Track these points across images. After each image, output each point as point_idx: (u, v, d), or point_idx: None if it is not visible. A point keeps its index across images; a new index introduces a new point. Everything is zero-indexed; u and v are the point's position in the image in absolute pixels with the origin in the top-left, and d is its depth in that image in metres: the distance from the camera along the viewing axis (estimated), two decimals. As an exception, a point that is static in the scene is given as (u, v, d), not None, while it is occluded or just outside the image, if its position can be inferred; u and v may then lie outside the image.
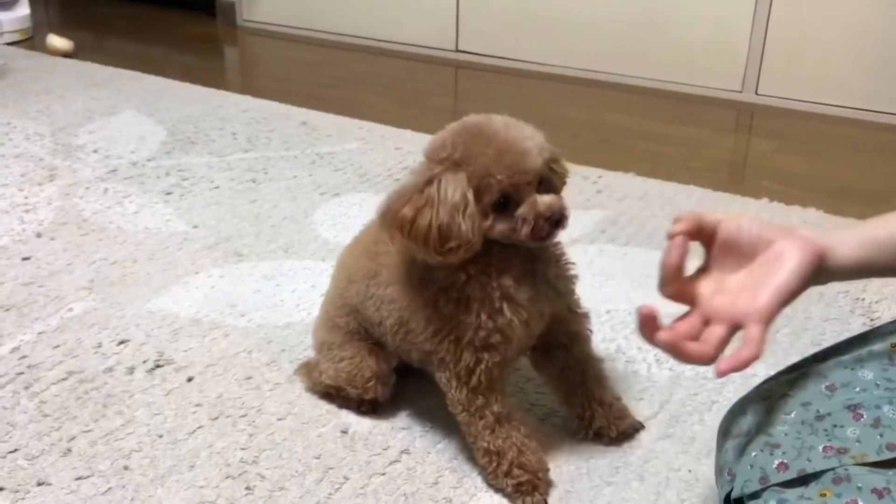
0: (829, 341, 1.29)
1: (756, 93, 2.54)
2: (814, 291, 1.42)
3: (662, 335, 0.73)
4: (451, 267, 0.93)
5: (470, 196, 0.89)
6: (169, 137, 2.14)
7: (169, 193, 1.81)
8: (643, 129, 2.33)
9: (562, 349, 1.06)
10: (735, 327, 0.73)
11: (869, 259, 0.76)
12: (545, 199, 0.90)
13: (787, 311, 1.37)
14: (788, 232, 0.76)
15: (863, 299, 1.43)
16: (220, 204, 1.77)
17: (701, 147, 2.21)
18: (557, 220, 0.91)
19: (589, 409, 1.08)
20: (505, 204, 0.90)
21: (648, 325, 0.73)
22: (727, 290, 0.76)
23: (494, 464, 0.99)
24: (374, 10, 3.09)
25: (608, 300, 1.42)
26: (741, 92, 2.56)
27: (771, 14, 2.45)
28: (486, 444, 0.98)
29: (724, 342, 0.73)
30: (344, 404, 1.13)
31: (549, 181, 0.93)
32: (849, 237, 0.77)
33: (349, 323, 1.10)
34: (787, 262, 0.73)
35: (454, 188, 0.89)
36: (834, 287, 1.45)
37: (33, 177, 1.88)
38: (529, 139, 0.91)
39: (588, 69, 2.77)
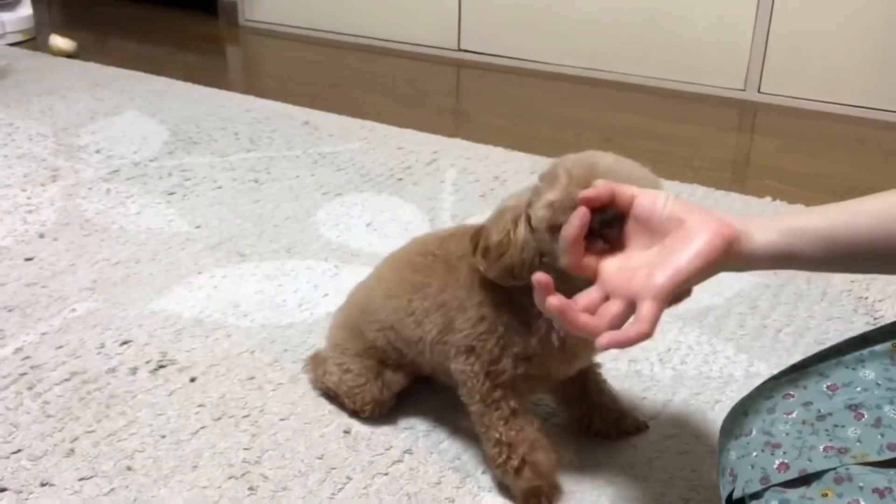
0: (832, 340, 1.29)
1: (759, 91, 2.54)
2: (816, 290, 1.43)
3: (553, 300, 0.72)
4: (529, 296, 0.88)
5: (542, 213, 0.84)
6: (171, 137, 2.14)
7: (171, 194, 1.82)
8: (646, 128, 2.33)
9: None
10: (632, 304, 0.71)
11: (788, 247, 0.74)
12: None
13: (790, 310, 1.38)
14: (704, 212, 0.74)
15: (866, 298, 1.43)
16: (222, 204, 1.77)
17: (704, 146, 2.21)
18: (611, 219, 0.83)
19: (588, 416, 1.08)
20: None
21: (542, 291, 0.72)
22: (629, 267, 0.74)
23: (504, 455, 0.97)
24: (377, 9, 3.09)
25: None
26: (744, 90, 2.56)
27: (773, 12, 2.45)
28: (498, 435, 0.98)
29: (620, 318, 0.71)
30: (340, 407, 1.13)
31: None
32: (769, 223, 0.75)
33: (377, 339, 1.08)
34: (691, 243, 0.71)
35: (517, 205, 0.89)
36: (837, 286, 1.45)
37: (36, 177, 1.88)
38: (625, 174, 0.85)
39: (590, 68, 2.76)
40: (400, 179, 1.89)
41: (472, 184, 1.87)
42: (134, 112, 2.32)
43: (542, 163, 1.98)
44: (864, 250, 0.74)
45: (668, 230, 0.74)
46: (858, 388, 0.72)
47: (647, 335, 0.68)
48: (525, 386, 0.98)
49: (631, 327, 0.69)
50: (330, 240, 1.63)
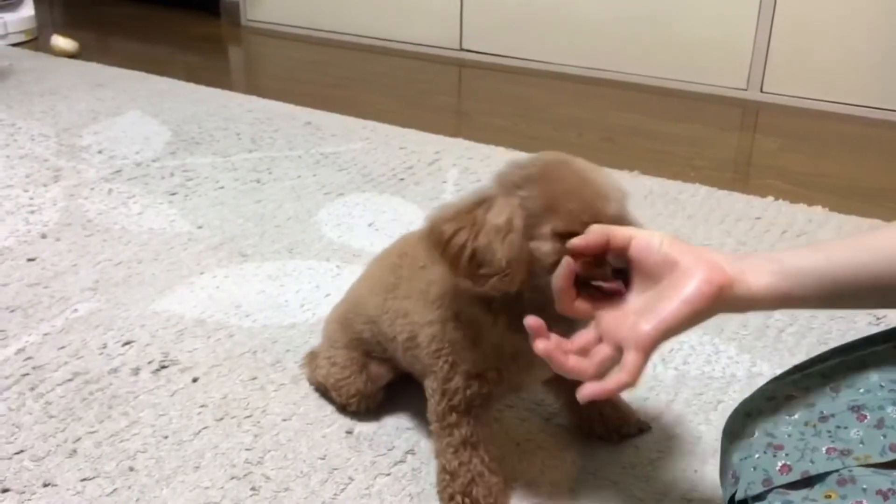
0: (835, 341, 1.29)
1: (761, 91, 2.54)
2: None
3: (539, 344, 0.72)
4: (481, 305, 0.89)
5: (518, 221, 0.81)
6: (173, 138, 2.14)
7: (173, 194, 1.82)
8: (647, 127, 2.33)
9: None
10: (620, 350, 0.71)
11: (786, 290, 0.71)
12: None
13: (793, 310, 1.37)
14: (698, 256, 0.71)
15: (868, 298, 1.42)
16: (224, 204, 1.77)
17: (705, 146, 2.21)
18: (621, 268, 0.78)
19: (588, 420, 1.08)
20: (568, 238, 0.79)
21: (535, 333, 0.74)
22: (622, 311, 0.73)
23: (445, 483, 0.97)
24: (378, 9, 3.09)
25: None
26: (746, 90, 2.55)
27: (776, 11, 2.45)
28: (444, 462, 0.97)
29: (609, 362, 0.71)
30: (331, 402, 1.15)
31: None
32: (766, 265, 0.72)
33: (363, 331, 1.09)
34: (680, 291, 0.70)
35: (501, 211, 0.82)
36: (839, 286, 1.45)
37: (38, 178, 1.88)
38: (612, 188, 0.83)
39: (592, 67, 2.76)
40: (402, 179, 1.89)
41: (474, 184, 1.87)
42: (136, 112, 2.32)
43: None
44: (866, 289, 0.72)
45: (663, 273, 0.72)
46: (861, 390, 0.72)
47: (627, 385, 0.68)
48: (482, 407, 0.96)
49: (612, 378, 0.69)
50: (332, 240, 1.62)
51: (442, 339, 0.94)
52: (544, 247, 0.81)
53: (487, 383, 0.94)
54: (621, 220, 0.81)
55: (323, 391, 1.15)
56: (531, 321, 0.73)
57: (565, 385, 1.07)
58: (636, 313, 0.71)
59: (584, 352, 0.73)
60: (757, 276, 0.71)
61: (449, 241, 0.83)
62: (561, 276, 0.76)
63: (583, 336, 0.75)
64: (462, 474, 0.96)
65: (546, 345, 0.72)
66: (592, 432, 1.08)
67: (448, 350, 0.93)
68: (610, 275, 0.77)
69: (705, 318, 0.71)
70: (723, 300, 0.70)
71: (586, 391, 0.69)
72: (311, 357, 1.18)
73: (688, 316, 0.70)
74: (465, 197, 0.87)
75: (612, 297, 0.76)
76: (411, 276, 1.00)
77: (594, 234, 0.76)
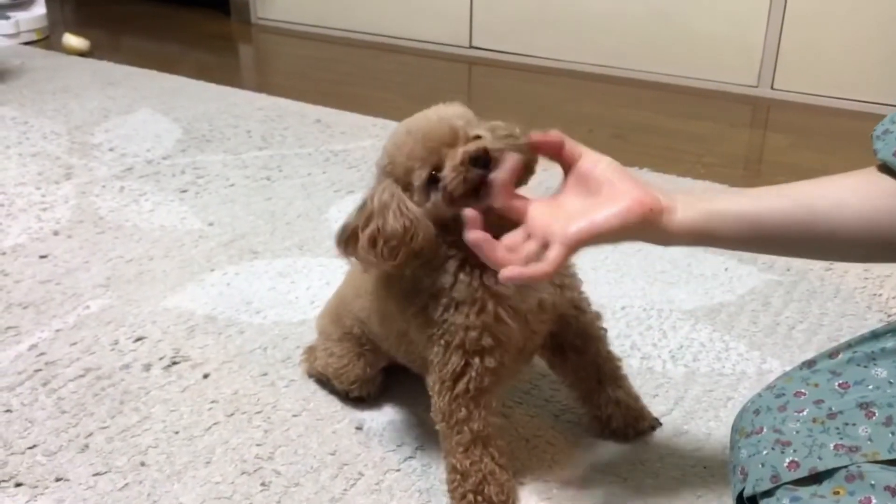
0: (845, 337, 1.28)
1: (772, 87, 2.53)
2: (830, 287, 1.43)
3: (476, 233, 0.77)
4: (434, 272, 0.91)
5: (397, 191, 0.88)
6: (184, 135, 2.15)
7: (184, 191, 1.82)
8: (658, 124, 2.33)
9: (574, 351, 1.03)
10: (546, 245, 0.76)
11: (707, 226, 0.78)
12: (463, 147, 0.85)
13: (803, 307, 1.37)
14: (636, 182, 0.79)
15: (880, 295, 1.42)
16: (234, 202, 1.78)
17: (716, 143, 2.20)
18: (477, 157, 0.83)
19: (606, 411, 1.07)
20: (435, 179, 0.87)
21: (470, 224, 0.77)
22: (554, 211, 0.79)
23: (456, 483, 0.96)
24: (388, 6, 3.09)
25: (623, 296, 1.42)
26: (757, 87, 2.55)
27: (787, 8, 2.44)
28: (454, 462, 0.96)
29: (534, 256, 0.76)
30: (333, 391, 1.16)
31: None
32: (695, 202, 0.79)
33: (353, 327, 1.10)
34: (613, 203, 0.76)
35: (381, 191, 0.89)
36: (851, 283, 1.45)
37: (50, 175, 1.89)
38: (443, 114, 0.90)
39: (602, 64, 2.76)
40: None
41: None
42: (147, 110, 2.33)
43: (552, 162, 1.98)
44: (786, 235, 0.78)
45: (601, 190, 0.78)
46: (870, 387, 0.72)
47: (546, 275, 0.74)
48: (490, 392, 0.95)
49: (533, 265, 0.74)
50: (342, 237, 1.63)
51: (430, 322, 0.93)
52: (428, 204, 0.88)
53: (489, 355, 0.92)
54: (465, 130, 0.87)
55: (324, 381, 1.17)
56: (469, 212, 0.78)
57: (579, 382, 1.07)
58: (567, 215, 0.77)
59: (511, 249, 0.77)
60: (684, 210, 0.78)
61: (357, 240, 0.90)
62: (506, 170, 0.81)
63: (510, 236, 0.79)
64: (473, 473, 0.95)
65: (476, 234, 0.76)
66: (608, 427, 1.07)
67: (441, 330, 0.92)
68: (477, 173, 0.83)
69: (630, 236, 0.78)
70: (649, 223, 0.77)
71: (507, 272, 0.74)
72: (310, 351, 1.20)
73: (614, 227, 0.76)
74: (358, 202, 0.93)
75: (540, 201, 0.82)
76: (385, 277, 0.99)
77: (555, 134, 0.82)
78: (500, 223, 0.82)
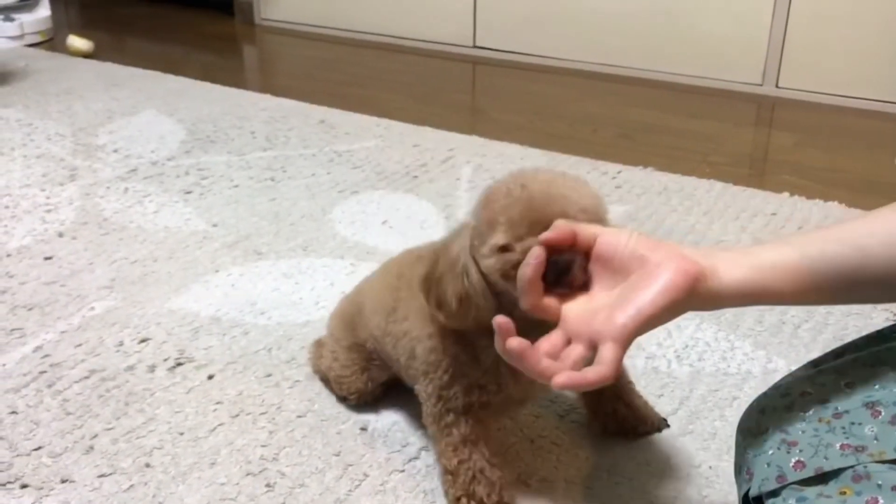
0: (851, 337, 1.27)
1: (776, 86, 2.52)
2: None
3: (513, 343, 0.69)
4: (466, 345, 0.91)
5: (464, 257, 0.84)
6: (188, 137, 2.15)
7: (188, 192, 1.83)
8: (663, 123, 2.32)
9: None
10: (593, 346, 0.68)
11: (758, 283, 0.70)
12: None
13: (809, 306, 1.37)
14: (668, 249, 0.70)
15: (885, 294, 1.41)
16: (239, 202, 1.78)
17: (721, 141, 2.20)
18: (561, 266, 0.75)
19: (612, 414, 1.07)
20: (506, 249, 0.80)
21: (502, 335, 0.70)
22: (591, 308, 0.71)
23: (447, 485, 0.97)
24: (392, 7, 3.09)
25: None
26: (761, 85, 2.54)
27: (791, 6, 2.43)
28: (445, 462, 0.97)
29: (581, 362, 0.68)
30: (330, 390, 1.17)
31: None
32: (739, 259, 0.70)
33: (367, 341, 1.09)
34: (655, 281, 0.68)
35: (456, 246, 0.86)
36: (856, 282, 1.44)
37: (54, 177, 1.89)
38: (567, 189, 0.81)
39: (607, 64, 2.76)
40: (415, 177, 1.90)
41: (488, 181, 1.86)
42: (151, 111, 2.34)
43: (559, 159, 1.98)
44: (835, 281, 0.70)
45: (631, 269, 0.71)
46: (876, 386, 0.72)
47: (607, 378, 0.66)
48: (485, 411, 0.95)
49: (590, 369, 0.66)
50: (346, 238, 1.63)
51: (442, 351, 0.93)
52: (487, 261, 0.81)
53: (488, 394, 0.93)
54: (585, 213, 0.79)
55: (325, 379, 1.17)
56: (500, 319, 0.70)
57: (596, 394, 1.06)
58: (608, 308, 0.70)
59: (552, 355, 0.70)
60: (730, 269, 0.70)
61: (429, 290, 0.88)
62: (530, 266, 0.73)
63: (547, 340, 0.72)
64: (462, 473, 0.95)
65: (519, 343, 0.69)
66: (612, 428, 1.07)
67: (448, 363, 0.93)
68: (552, 277, 0.74)
69: (680, 311, 0.69)
70: (697, 292, 0.69)
71: (562, 378, 0.66)
72: (318, 345, 1.20)
73: (663, 307, 0.68)
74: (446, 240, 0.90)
75: (576, 295, 0.74)
76: (409, 297, 0.99)
77: (561, 228, 0.74)
78: (528, 320, 0.75)
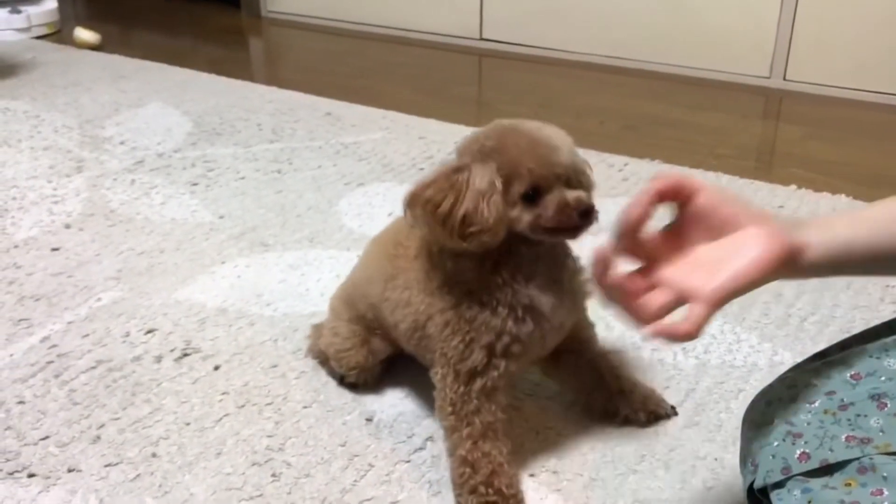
0: (858, 329, 1.27)
1: (784, 78, 2.51)
2: (842, 280, 1.42)
3: (616, 278, 0.72)
4: (482, 268, 0.93)
5: (498, 184, 0.89)
6: (195, 129, 2.15)
7: (195, 184, 1.83)
8: (669, 116, 2.32)
9: (572, 354, 1.06)
10: (682, 300, 0.70)
11: (838, 261, 0.74)
12: (573, 192, 0.90)
13: (815, 298, 1.37)
14: (764, 219, 0.73)
15: (893, 287, 1.41)
16: (245, 194, 1.78)
17: (728, 134, 2.19)
18: (585, 210, 0.89)
19: (612, 402, 1.08)
20: (534, 196, 0.90)
21: (600, 265, 0.72)
22: (686, 261, 0.73)
23: (466, 476, 0.96)
24: (398, -1, 3.09)
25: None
26: (769, 78, 2.53)
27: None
28: (464, 453, 0.96)
29: (666, 310, 0.71)
30: (330, 372, 1.18)
31: (578, 185, 0.93)
32: (821, 235, 0.73)
33: (367, 312, 1.10)
34: (752, 250, 0.70)
35: (482, 176, 0.89)
36: (863, 274, 1.44)
37: (61, 168, 1.90)
38: (560, 139, 0.92)
39: (614, 56, 2.75)
40: (422, 169, 1.90)
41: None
42: (158, 104, 2.34)
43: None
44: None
45: (725, 229, 0.73)
46: (882, 378, 0.71)
47: (691, 336, 0.68)
48: (504, 390, 0.97)
49: (682, 324, 0.68)
50: (352, 229, 1.63)
51: (458, 320, 0.95)
52: (515, 212, 0.90)
53: (512, 359, 0.95)
54: (574, 166, 0.92)
55: (324, 361, 1.18)
56: (600, 251, 0.72)
57: (579, 381, 1.08)
58: (704, 265, 0.71)
59: (634, 296, 0.72)
60: (813, 250, 0.73)
61: (438, 206, 0.89)
62: (635, 213, 0.74)
63: (631, 280, 0.73)
64: (484, 465, 0.95)
65: (622, 280, 0.72)
66: (617, 416, 1.09)
67: (466, 328, 0.94)
68: (576, 218, 0.89)
69: (769, 280, 0.72)
70: (786, 266, 0.72)
71: (657, 328, 0.69)
72: (316, 329, 1.22)
73: (757, 277, 0.70)
74: (439, 168, 0.93)
75: (664, 242, 0.76)
76: (408, 267, 1.01)
77: (668, 178, 0.75)
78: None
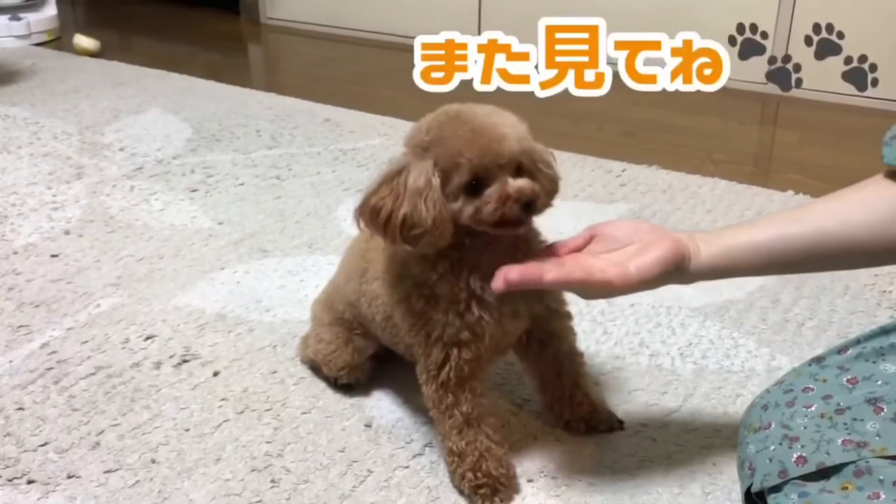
0: (855, 334, 1.28)
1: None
2: (839, 284, 1.42)
3: (511, 272, 0.83)
4: (425, 263, 0.93)
5: (435, 181, 0.86)
6: (194, 135, 2.16)
7: (194, 190, 1.83)
8: (667, 121, 2.32)
9: (538, 343, 1.05)
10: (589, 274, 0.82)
11: (726, 263, 0.85)
12: (516, 182, 0.87)
13: (812, 304, 1.37)
14: (660, 230, 0.85)
15: (890, 292, 1.41)
16: (244, 200, 1.79)
17: (725, 139, 2.20)
18: (527, 202, 0.86)
19: (559, 404, 1.08)
20: (476, 188, 0.87)
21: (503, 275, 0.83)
22: (590, 259, 0.86)
23: (454, 465, 0.98)
24: (397, 5, 3.10)
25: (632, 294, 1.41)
26: (766, 84, 2.54)
27: (796, 3, 2.43)
28: (451, 445, 0.98)
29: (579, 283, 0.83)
30: (324, 378, 1.18)
31: (532, 175, 0.90)
32: (712, 240, 0.86)
33: (345, 312, 1.12)
34: (652, 252, 0.82)
35: (418, 174, 0.87)
36: (860, 280, 1.44)
37: (61, 175, 1.90)
38: (508, 126, 0.89)
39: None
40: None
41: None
42: (157, 110, 2.34)
43: (563, 157, 1.98)
44: (799, 256, 0.85)
45: (631, 243, 0.86)
46: (879, 382, 0.72)
47: (619, 278, 0.82)
48: (474, 377, 0.97)
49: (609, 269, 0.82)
50: (351, 235, 1.63)
51: (411, 312, 0.95)
52: (457, 205, 0.88)
53: (466, 347, 0.94)
54: (523, 154, 0.88)
55: (315, 367, 1.19)
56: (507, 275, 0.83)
57: (538, 373, 1.08)
58: (609, 259, 0.84)
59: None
60: (705, 251, 0.85)
61: (379, 212, 0.88)
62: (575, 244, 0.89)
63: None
64: (470, 453, 0.97)
65: (516, 269, 0.82)
66: (560, 418, 1.09)
67: (420, 323, 0.95)
68: (518, 211, 0.86)
69: (665, 282, 0.84)
70: (681, 268, 0.84)
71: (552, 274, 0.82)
72: (304, 340, 1.22)
73: (659, 274, 0.82)
74: (385, 169, 0.92)
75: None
76: (377, 259, 1.02)
77: (581, 238, 0.90)
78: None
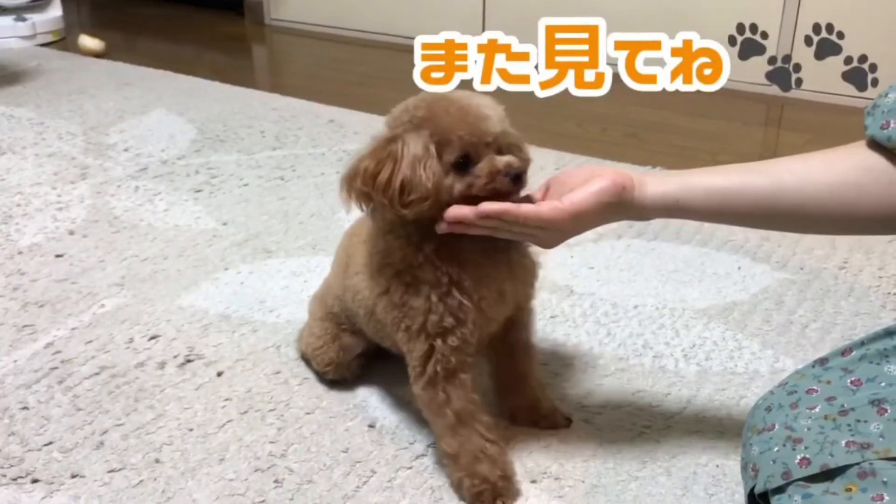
0: (859, 336, 1.28)
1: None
2: (844, 286, 1.42)
3: (464, 211, 0.86)
4: (409, 246, 0.93)
5: (432, 149, 0.89)
6: (198, 136, 2.16)
7: (198, 191, 1.83)
8: (671, 123, 2.32)
9: (501, 330, 1.04)
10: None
11: (678, 200, 0.84)
12: (503, 157, 0.90)
13: (817, 305, 1.37)
14: (607, 169, 0.87)
15: (894, 294, 1.41)
16: (248, 201, 1.79)
17: (730, 141, 2.20)
18: (516, 175, 0.89)
19: (504, 390, 1.09)
20: (465, 164, 0.89)
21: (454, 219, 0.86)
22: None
23: (451, 469, 0.99)
24: (401, 6, 3.10)
25: (635, 295, 1.41)
26: (771, 85, 2.53)
27: (800, 5, 2.43)
28: (444, 447, 0.98)
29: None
30: (315, 371, 1.20)
31: (511, 154, 0.92)
32: (667, 178, 0.86)
33: (334, 306, 1.13)
34: (592, 185, 0.85)
35: (416, 143, 0.89)
36: (865, 282, 1.44)
37: (66, 175, 1.91)
38: (490, 108, 0.92)
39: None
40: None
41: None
42: (162, 111, 2.35)
43: (568, 159, 1.98)
44: (752, 207, 0.83)
45: (576, 180, 0.88)
46: (882, 384, 0.72)
47: (552, 211, 0.84)
48: (463, 370, 0.96)
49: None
50: (355, 236, 1.63)
51: (394, 304, 0.96)
52: (447, 180, 0.89)
53: (451, 334, 0.94)
54: (504, 135, 0.92)
55: (307, 360, 1.20)
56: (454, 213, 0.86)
57: (496, 350, 1.07)
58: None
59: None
60: (655, 185, 0.85)
61: (375, 176, 0.89)
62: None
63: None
64: (464, 454, 0.97)
65: (469, 209, 0.86)
66: (507, 404, 1.10)
67: (401, 314, 0.95)
68: (508, 183, 0.89)
69: (612, 215, 0.86)
70: (624, 199, 0.84)
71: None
72: (300, 333, 1.24)
73: (595, 204, 0.84)
74: (372, 142, 0.93)
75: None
76: (359, 252, 1.03)
77: (539, 190, 0.91)
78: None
